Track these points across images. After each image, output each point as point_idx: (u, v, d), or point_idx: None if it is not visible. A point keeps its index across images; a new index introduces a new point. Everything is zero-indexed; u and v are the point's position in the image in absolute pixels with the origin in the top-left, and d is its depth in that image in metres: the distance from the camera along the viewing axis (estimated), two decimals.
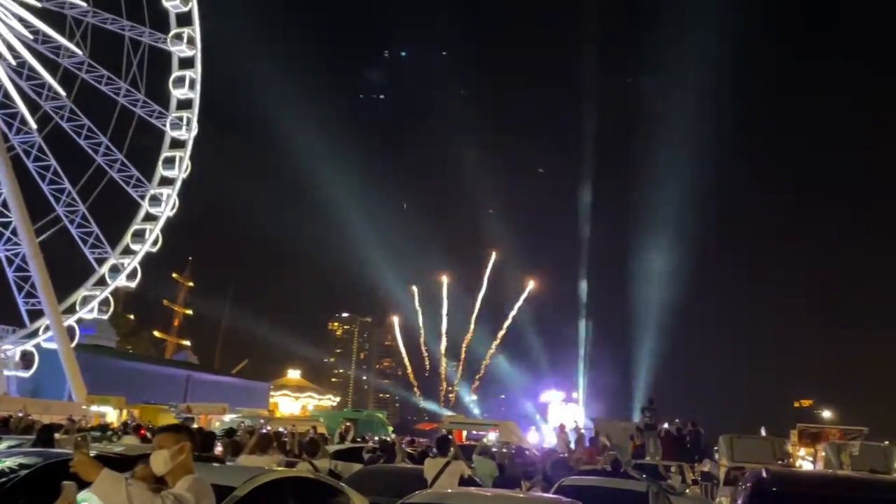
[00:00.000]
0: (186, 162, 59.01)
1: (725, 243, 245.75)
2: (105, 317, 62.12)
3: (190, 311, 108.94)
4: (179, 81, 55.99)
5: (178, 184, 59.31)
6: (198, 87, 56.36)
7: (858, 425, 31.44)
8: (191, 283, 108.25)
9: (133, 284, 61.43)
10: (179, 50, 55.02)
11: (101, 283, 59.83)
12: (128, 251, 60.05)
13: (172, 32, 54.87)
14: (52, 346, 54.24)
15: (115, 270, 59.82)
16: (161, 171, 59.00)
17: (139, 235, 60.01)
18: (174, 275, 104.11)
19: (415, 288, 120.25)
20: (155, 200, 59.50)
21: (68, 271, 60.17)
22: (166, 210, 59.62)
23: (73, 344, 55.60)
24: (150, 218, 59.87)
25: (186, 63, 55.81)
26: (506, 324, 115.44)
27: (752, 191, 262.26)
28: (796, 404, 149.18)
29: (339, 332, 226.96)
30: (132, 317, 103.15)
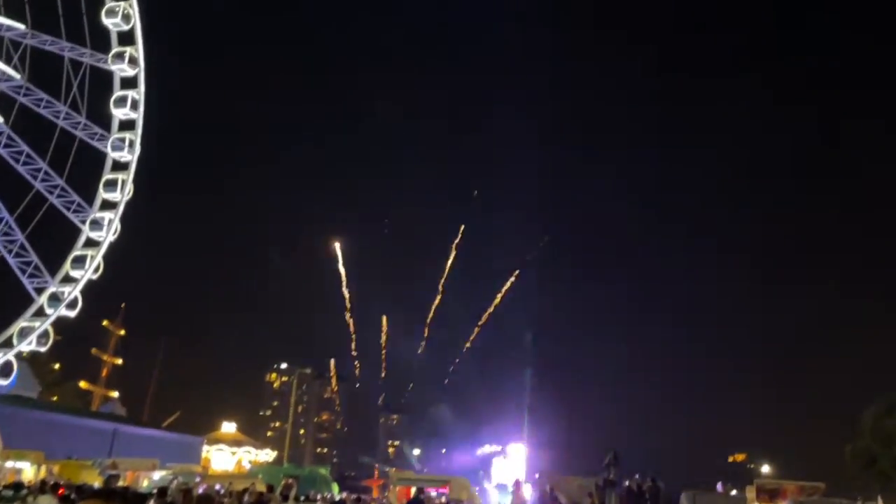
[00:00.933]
0: (129, 185, 58.32)
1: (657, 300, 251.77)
2: (44, 349, 59.94)
3: (120, 361, 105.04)
4: (121, 101, 55.61)
5: (121, 207, 58.45)
6: (141, 107, 56.13)
7: (796, 478, 31.98)
8: (122, 332, 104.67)
9: (73, 314, 59.69)
10: (120, 69, 54.83)
11: (40, 313, 58.00)
12: (68, 279, 58.53)
13: (113, 51, 54.78)
14: None
15: (54, 299, 58.10)
16: (102, 194, 58.00)
17: (80, 261, 58.61)
18: (105, 322, 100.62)
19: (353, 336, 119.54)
20: (96, 225, 58.42)
21: (4, 303, 58.24)
22: (108, 235, 58.48)
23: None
24: (91, 243, 58.74)
25: (128, 83, 55.63)
26: (453, 366, 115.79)
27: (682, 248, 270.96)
28: (730, 458, 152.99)
29: (276, 384, 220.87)
30: (57, 366, 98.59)
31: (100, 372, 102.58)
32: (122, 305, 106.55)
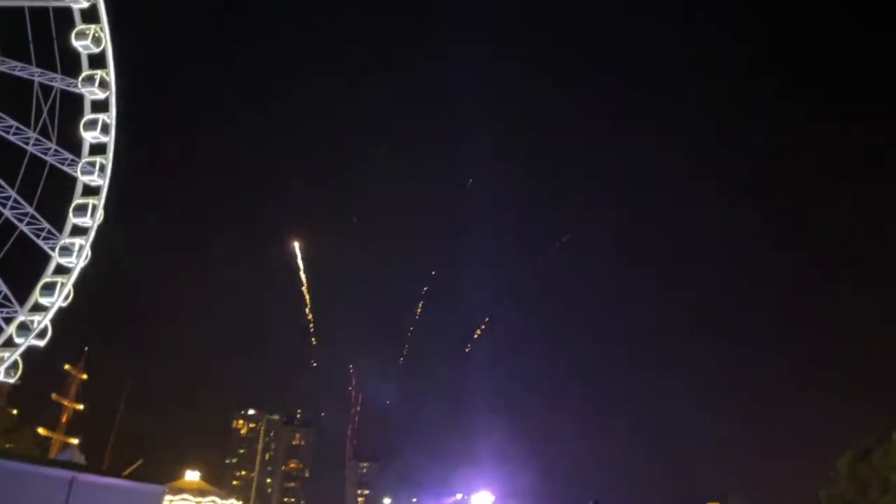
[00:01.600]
0: (100, 210, 58.06)
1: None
2: (12, 380, 58.55)
3: (81, 406, 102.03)
4: (91, 125, 55.80)
5: (92, 233, 58.10)
6: (112, 131, 56.37)
7: None
8: (84, 376, 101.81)
9: (43, 343, 58.66)
10: (91, 92, 55.16)
11: (9, 343, 56.90)
12: (38, 307, 57.66)
13: (84, 74, 55.14)
14: None
15: (24, 329, 57.12)
16: (72, 219, 57.61)
17: (49, 289, 57.83)
18: (66, 366, 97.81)
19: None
20: (66, 251, 57.86)
21: None
22: (79, 261, 58.05)
23: None
24: (61, 270, 58.12)
25: (99, 106, 55.93)
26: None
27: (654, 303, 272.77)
28: None
29: (243, 431, 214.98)
30: (15, 412, 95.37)
31: (60, 418, 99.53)
32: (86, 349, 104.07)
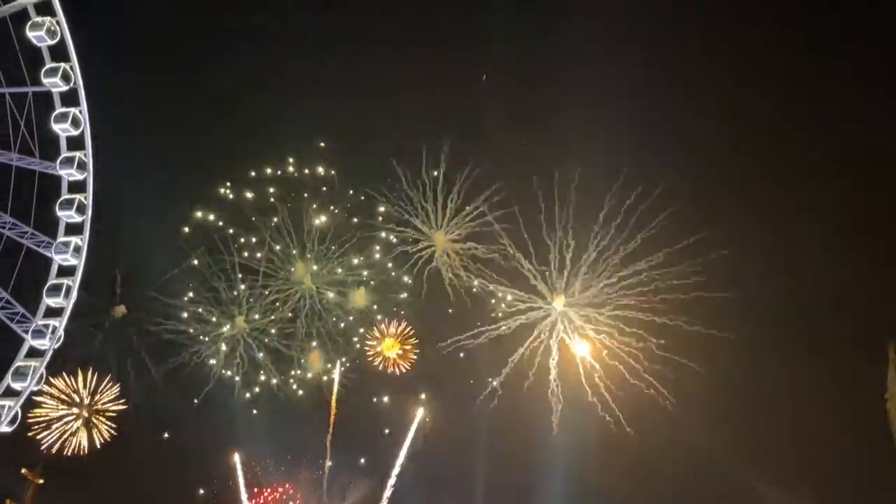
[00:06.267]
0: (75, 290, 58.04)
1: None
2: None
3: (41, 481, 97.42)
4: (67, 204, 56.43)
5: (67, 314, 57.89)
6: (89, 211, 57.00)
7: None
8: (41, 481, 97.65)
9: (11, 430, 57.45)
10: (69, 173, 56.02)
11: None
12: (9, 392, 56.71)
13: (63, 156, 56.20)
14: None
15: None
16: (46, 300, 57.34)
17: (21, 374, 57.06)
18: (23, 470, 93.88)
19: None
20: (39, 334, 57.42)
21: None
22: (52, 343, 57.57)
23: None
24: (33, 353, 57.50)
25: (77, 187, 56.83)
26: None
27: None
28: None
29: None
30: None
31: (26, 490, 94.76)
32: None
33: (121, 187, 61.70)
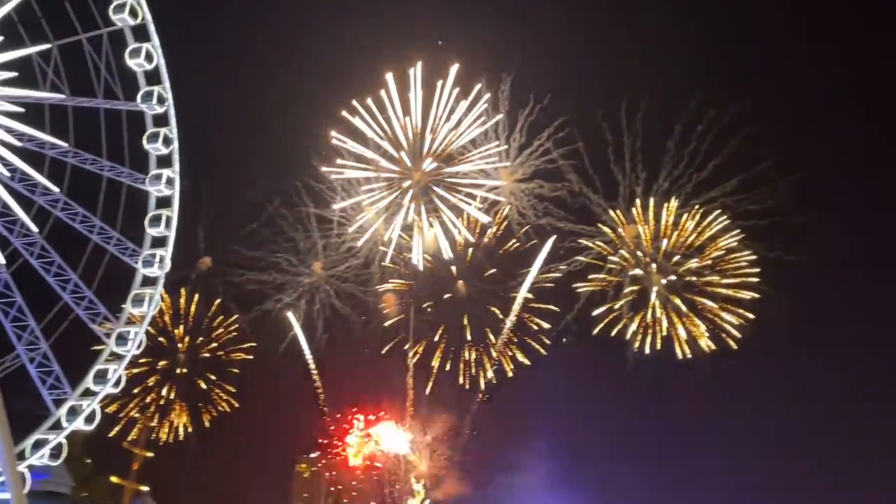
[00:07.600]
0: (157, 300, 57.93)
1: None
2: (56, 462, 58.53)
3: (150, 454, 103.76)
4: (155, 220, 56.36)
5: (147, 321, 57.83)
6: (174, 224, 56.62)
7: None
8: (153, 424, 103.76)
9: (90, 427, 58.50)
10: (157, 190, 55.84)
11: (56, 426, 56.83)
12: (88, 393, 57.57)
13: (152, 173, 56.03)
14: (4, 495, 50.76)
15: (72, 412, 57.00)
16: (130, 308, 57.73)
17: (101, 376, 57.71)
18: (136, 414, 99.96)
19: None
20: (121, 339, 57.75)
21: (19, 413, 57.34)
22: (132, 349, 57.80)
23: (26, 490, 52.32)
24: (114, 357, 57.93)
25: (163, 202, 56.52)
26: None
27: None
28: None
29: (306, 474, 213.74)
30: (90, 461, 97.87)
31: (130, 466, 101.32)
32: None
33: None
